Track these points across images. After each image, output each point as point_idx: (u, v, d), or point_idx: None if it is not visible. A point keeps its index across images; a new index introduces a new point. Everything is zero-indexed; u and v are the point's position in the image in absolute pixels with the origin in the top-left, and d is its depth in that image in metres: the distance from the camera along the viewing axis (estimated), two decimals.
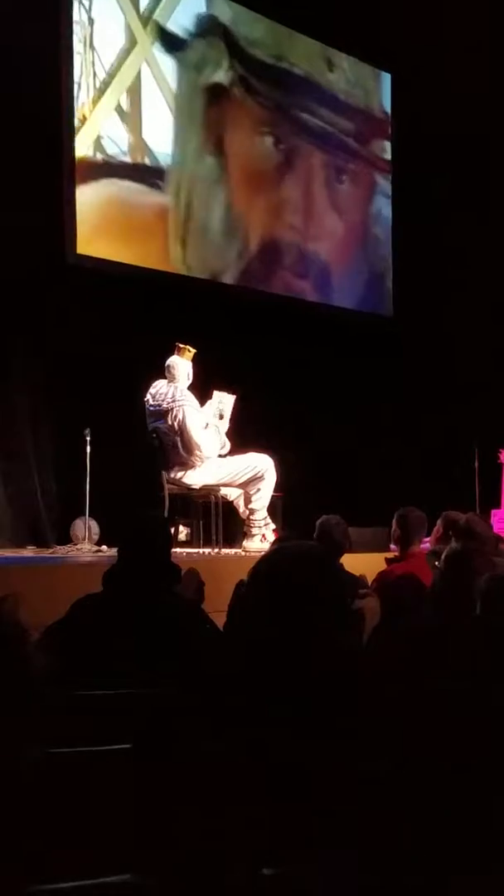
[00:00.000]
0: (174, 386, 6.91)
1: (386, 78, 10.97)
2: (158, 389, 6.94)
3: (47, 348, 7.73)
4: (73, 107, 7.95)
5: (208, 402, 7.04)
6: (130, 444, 7.26)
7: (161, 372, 7.05)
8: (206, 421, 6.91)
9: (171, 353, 7.06)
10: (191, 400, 6.88)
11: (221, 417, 7.02)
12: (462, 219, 10.45)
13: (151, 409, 6.91)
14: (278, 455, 7.31)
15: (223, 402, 7.04)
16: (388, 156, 11.03)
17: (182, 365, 6.95)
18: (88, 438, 7.14)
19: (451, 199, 10.51)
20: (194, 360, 7.03)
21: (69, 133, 7.93)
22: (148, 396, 6.95)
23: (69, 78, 7.95)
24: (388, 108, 11.02)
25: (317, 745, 1.53)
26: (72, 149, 7.94)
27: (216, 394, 7.09)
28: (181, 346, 7.01)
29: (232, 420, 7.12)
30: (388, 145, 11.03)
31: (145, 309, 8.21)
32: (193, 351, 7.02)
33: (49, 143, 7.80)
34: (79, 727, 2.27)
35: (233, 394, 7.11)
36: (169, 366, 6.96)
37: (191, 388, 6.98)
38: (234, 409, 7.10)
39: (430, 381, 10.46)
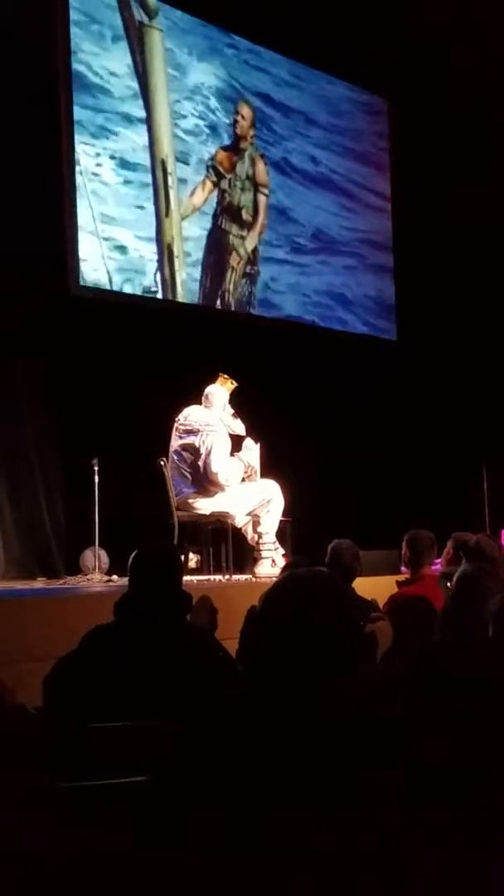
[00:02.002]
0: (209, 412, 6.96)
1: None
2: (193, 412, 6.98)
3: (54, 379, 7.76)
4: (73, 135, 7.98)
5: (238, 455, 7.06)
6: (138, 472, 7.26)
7: (165, 399, 7.10)
8: (230, 452, 6.96)
9: (174, 381, 7.10)
10: (221, 429, 6.91)
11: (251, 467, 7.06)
12: (465, 235, 10.49)
13: (182, 427, 6.94)
14: (285, 481, 7.31)
15: (250, 449, 7.09)
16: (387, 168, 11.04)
17: (220, 394, 7.04)
18: (96, 468, 7.15)
19: (454, 213, 10.54)
20: (233, 395, 7.10)
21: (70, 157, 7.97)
22: (180, 417, 6.99)
23: (69, 104, 7.98)
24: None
25: (331, 772, 1.53)
26: (72, 173, 7.97)
27: (246, 441, 7.12)
28: (224, 376, 7.08)
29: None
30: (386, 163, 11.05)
31: (151, 338, 8.24)
32: (235, 385, 7.09)
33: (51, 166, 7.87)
34: (93, 759, 2.26)
35: (256, 443, 7.16)
36: (207, 394, 7.04)
37: None
38: (260, 457, 7.18)
39: (437, 404, 10.46)
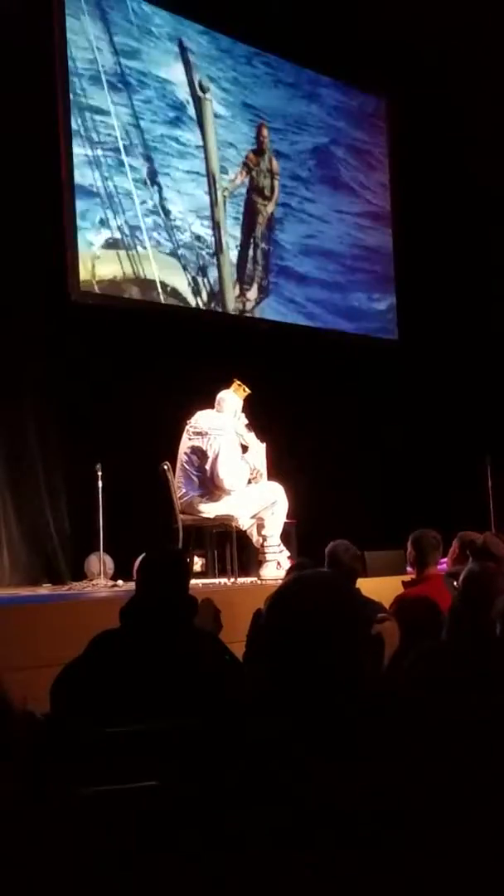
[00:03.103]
0: (220, 417, 6.97)
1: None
2: (203, 416, 7.01)
3: (56, 385, 7.76)
4: (72, 149, 8.06)
5: (244, 457, 7.07)
6: (142, 477, 7.26)
7: (167, 403, 7.11)
8: (239, 456, 6.96)
9: (176, 385, 7.10)
10: (230, 434, 6.92)
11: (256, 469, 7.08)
12: (466, 234, 10.51)
13: (192, 430, 6.95)
14: (289, 482, 7.30)
15: (255, 449, 7.09)
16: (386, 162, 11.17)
17: (232, 400, 7.06)
18: (100, 473, 7.14)
19: (455, 211, 10.56)
20: (246, 401, 7.12)
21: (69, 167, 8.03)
22: (191, 420, 7.01)
23: (66, 118, 8.06)
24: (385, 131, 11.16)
25: (344, 772, 1.53)
26: (72, 181, 8.03)
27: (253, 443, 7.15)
28: (238, 383, 7.10)
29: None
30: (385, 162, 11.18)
31: (152, 342, 8.24)
32: (248, 392, 7.10)
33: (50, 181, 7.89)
34: (102, 765, 2.26)
35: (262, 443, 7.17)
36: (220, 399, 7.08)
37: None
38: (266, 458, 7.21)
39: (439, 402, 10.45)
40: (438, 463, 10.08)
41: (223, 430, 6.90)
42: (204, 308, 8.96)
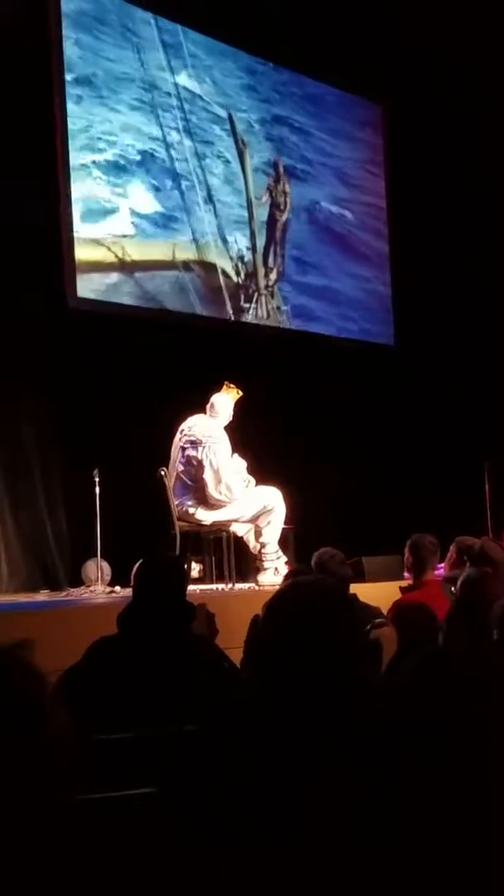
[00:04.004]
0: (213, 422, 6.96)
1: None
2: (197, 422, 6.97)
3: (53, 391, 7.76)
4: (69, 149, 8.08)
5: (235, 469, 7.08)
6: (139, 483, 7.25)
7: (164, 409, 7.09)
8: (232, 464, 6.96)
9: (172, 390, 7.08)
10: (224, 441, 6.91)
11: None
12: (463, 238, 10.53)
13: (187, 437, 6.92)
14: (287, 488, 7.30)
15: (239, 472, 7.11)
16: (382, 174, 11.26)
17: (225, 403, 7.02)
18: (97, 479, 7.13)
19: (450, 216, 10.58)
20: (237, 403, 7.12)
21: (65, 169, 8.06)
22: (183, 426, 6.97)
23: (63, 119, 8.09)
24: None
25: (342, 777, 1.53)
26: (68, 186, 8.05)
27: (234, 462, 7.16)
28: (229, 385, 7.08)
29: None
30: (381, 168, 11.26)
31: (148, 348, 8.24)
32: (240, 394, 7.09)
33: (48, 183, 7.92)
34: (100, 771, 2.26)
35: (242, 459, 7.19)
36: (213, 402, 7.04)
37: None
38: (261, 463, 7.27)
39: (437, 407, 10.46)
40: (436, 468, 10.07)
41: (217, 439, 6.87)
42: (241, 284, 9.67)
